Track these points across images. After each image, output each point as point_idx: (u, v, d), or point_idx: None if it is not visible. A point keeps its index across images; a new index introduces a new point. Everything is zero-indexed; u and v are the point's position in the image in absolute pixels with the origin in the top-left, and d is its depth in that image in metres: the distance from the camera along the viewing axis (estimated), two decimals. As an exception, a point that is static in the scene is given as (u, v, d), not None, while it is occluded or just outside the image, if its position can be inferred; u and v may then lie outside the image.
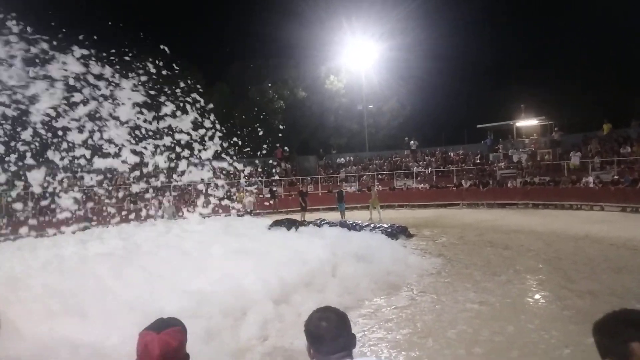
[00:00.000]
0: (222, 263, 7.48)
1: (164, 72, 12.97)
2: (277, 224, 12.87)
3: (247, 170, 22.27)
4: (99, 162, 11.58)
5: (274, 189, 25.59)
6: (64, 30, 9.70)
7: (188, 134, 12.14)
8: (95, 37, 10.40)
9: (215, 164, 15.13)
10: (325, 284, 7.32)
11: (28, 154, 10.40)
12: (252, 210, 20.71)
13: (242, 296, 6.20)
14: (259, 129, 26.79)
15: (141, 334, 1.53)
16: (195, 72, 29.64)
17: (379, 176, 26.75)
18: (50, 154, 10.59)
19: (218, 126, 13.08)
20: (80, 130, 10.40)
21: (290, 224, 12.38)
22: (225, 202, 16.87)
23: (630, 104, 25.68)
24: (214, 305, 5.72)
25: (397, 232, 12.69)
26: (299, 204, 19.68)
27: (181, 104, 12.16)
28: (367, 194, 19.98)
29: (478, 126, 27.59)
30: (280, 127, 29.47)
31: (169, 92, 12.19)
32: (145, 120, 11.38)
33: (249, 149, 23.04)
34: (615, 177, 17.98)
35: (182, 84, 13.29)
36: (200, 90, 13.60)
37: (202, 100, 12.73)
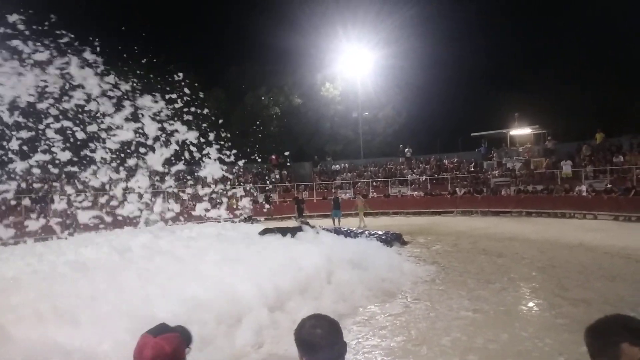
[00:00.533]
0: (216, 269, 7.43)
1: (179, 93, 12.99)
2: (267, 231, 12.78)
3: (240, 192, 22.25)
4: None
5: (269, 195, 25.53)
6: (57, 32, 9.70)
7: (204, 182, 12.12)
8: (96, 43, 10.41)
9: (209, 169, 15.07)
10: (321, 290, 7.28)
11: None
12: (248, 217, 20.61)
13: (237, 303, 6.16)
14: (254, 135, 26.72)
15: (140, 337, 1.54)
16: (192, 78, 29.62)
17: (374, 183, 26.80)
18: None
19: (212, 135, 13.07)
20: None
21: (285, 231, 12.29)
22: (220, 208, 16.76)
23: (624, 112, 25.97)
24: (208, 312, 5.67)
25: (391, 239, 12.69)
26: (295, 211, 19.61)
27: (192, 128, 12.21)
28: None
29: (472, 134, 27.74)
30: (276, 133, 29.48)
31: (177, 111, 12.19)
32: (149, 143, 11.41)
33: (244, 154, 22.99)
34: (609, 185, 18.13)
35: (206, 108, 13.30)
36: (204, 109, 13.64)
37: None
